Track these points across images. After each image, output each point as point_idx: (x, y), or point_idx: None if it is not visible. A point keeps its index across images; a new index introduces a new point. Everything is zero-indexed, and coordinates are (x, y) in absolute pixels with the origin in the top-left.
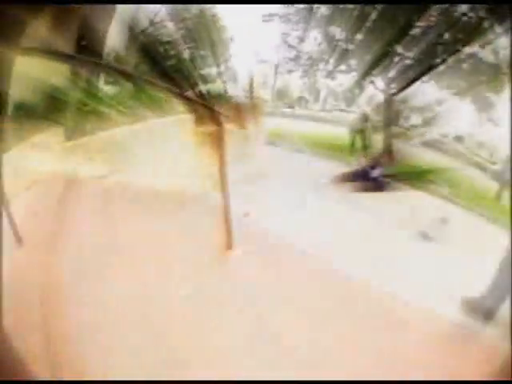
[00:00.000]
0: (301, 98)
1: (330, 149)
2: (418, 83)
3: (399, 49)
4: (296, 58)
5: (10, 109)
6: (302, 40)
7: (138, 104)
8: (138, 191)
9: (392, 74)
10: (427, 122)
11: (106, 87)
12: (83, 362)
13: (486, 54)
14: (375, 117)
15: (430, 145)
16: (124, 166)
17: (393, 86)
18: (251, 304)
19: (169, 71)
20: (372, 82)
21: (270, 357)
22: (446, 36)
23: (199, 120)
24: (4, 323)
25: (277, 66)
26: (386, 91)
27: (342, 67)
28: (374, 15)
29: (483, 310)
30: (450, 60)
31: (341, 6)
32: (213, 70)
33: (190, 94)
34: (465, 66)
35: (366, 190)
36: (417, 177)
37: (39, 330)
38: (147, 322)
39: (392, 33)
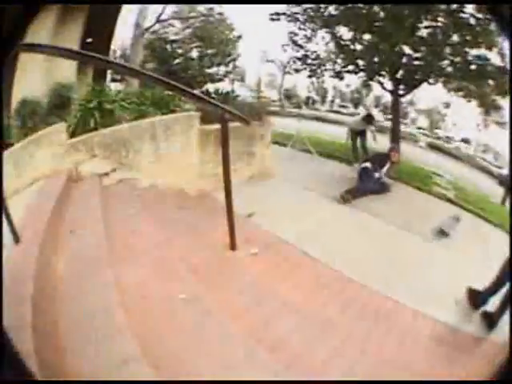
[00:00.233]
0: (308, 98)
1: (336, 150)
2: (425, 85)
3: (407, 50)
4: (303, 58)
5: (14, 105)
6: (309, 39)
7: (142, 100)
8: (141, 189)
9: (400, 74)
10: (434, 125)
11: (112, 84)
12: (79, 363)
13: (493, 56)
14: (381, 118)
15: (435, 147)
16: (127, 164)
17: (401, 86)
18: (254, 308)
19: (176, 70)
20: (380, 83)
21: (271, 364)
22: (454, 37)
23: (205, 118)
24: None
25: (284, 66)
26: (393, 92)
27: (350, 67)
28: (381, 16)
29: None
30: (458, 61)
31: (349, 5)
32: (220, 69)
33: (196, 92)
34: (472, 68)
35: (372, 192)
36: (422, 179)
37: (34, 328)
38: (145, 323)
39: (400, 34)
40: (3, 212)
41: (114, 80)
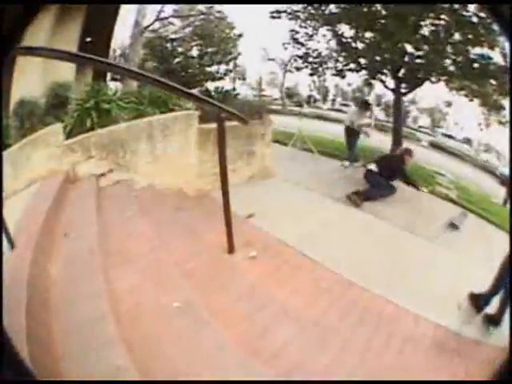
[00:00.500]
0: (310, 97)
1: (338, 149)
2: (427, 83)
3: (409, 48)
4: (304, 56)
5: (12, 106)
6: (310, 37)
7: (140, 100)
8: (138, 190)
9: (402, 73)
10: (435, 124)
11: (111, 83)
12: (74, 370)
13: (496, 56)
14: (383, 116)
15: (437, 146)
16: (124, 164)
17: (403, 85)
18: (250, 316)
19: (176, 68)
20: (382, 81)
21: (267, 374)
22: (456, 36)
23: (204, 117)
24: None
25: (285, 64)
26: (395, 90)
27: (352, 65)
28: (383, 14)
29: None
30: (460, 60)
31: (350, 4)
32: (221, 68)
33: (195, 91)
34: (474, 67)
35: (381, 197)
36: (425, 178)
37: (29, 335)
38: (138, 332)
39: (402, 32)
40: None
41: (113, 79)
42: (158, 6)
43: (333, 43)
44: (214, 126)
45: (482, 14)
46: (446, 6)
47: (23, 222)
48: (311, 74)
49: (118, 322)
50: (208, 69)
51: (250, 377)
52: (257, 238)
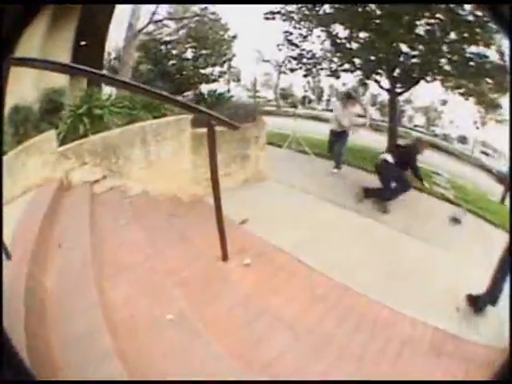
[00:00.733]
0: (304, 98)
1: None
2: (422, 83)
3: (404, 47)
4: (299, 57)
5: (7, 112)
6: (304, 38)
7: (133, 104)
8: (131, 197)
9: (397, 72)
10: (430, 123)
11: (106, 87)
12: (73, 378)
13: (492, 54)
14: (378, 116)
15: (433, 145)
16: (117, 171)
17: (398, 85)
18: (244, 326)
19: (170, 71)
20: (376, 82)
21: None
22: (452, 35)
23: (197, 121)
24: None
25: (280, 65)
26: (390, 90)
27: (346, 66)
28: (378, 13)
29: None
30: (455, 59)
31: (344, 4)
32: (215, 70)
33: (186, 99)
34: (470, 65)
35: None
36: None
37: (29, 348)
38: (132, 344)
39: (397, 31)
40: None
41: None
42: (151, 8)
43: (327, 44)
44: (204, 131)
45: (478, 13)
46: (442, 4)
47: (18, 232)
48: (305, 76)
49: (113, 334)
50: (202, 71)
51: None
52: (251, 245)
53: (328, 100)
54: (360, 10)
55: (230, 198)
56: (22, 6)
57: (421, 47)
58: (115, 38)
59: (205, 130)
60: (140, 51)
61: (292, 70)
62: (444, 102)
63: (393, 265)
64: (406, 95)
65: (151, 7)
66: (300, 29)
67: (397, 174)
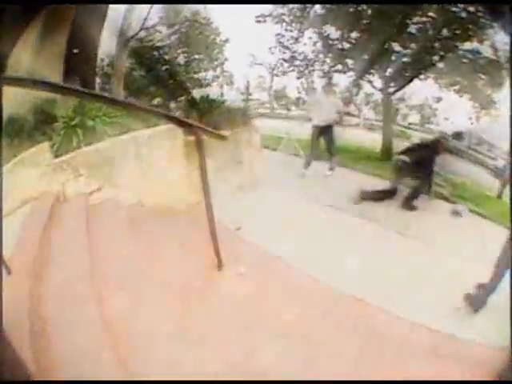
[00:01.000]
0: (298, 99)
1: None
2: (416, 81)
3: (396, 47)
4: (291, 59)
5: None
6: (296, 40)
7: (124, 114)
8: (126, 208)
9: (389, 72)
10: (426, 120)
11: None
12: None
13: (486, 50)
14: (373, 115)
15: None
16: (112, 182)
17: (391, 84)
18: (237, 339)
19: (163, 76)
20: (369, 82)
21: None
22: (444, 32)
23: (187, 131)
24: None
25: (272, 68)
26: (383, 90)
27: (339, 67)
28: (369, 13)
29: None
30: (449, 56)
31: (335, 4)
32: (208, 74)
33: (182, 100)
34: (464, 62)
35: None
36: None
37: (36, 363)
38: (131, 358)
39: (388, 30)
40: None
41: (102, 89)
42: (143, 15)
43: (319, 45)
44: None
45: (471, 9)
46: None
47: (17, 247)
48: (298, 78)
49: (113, 347)
50: (195, 75)
51: None
52: (246, 252)
53: None
54: (351, 10)
55: (225, 205)
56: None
57: (413, 45)
58: (108, 44)
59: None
60: (132, 57)
61: (284, 73)
62: (438, 100)
63: (389, 267)
64: (399, 93)
65: (143, 13)
66: (291, 31)
67: (414, 175)
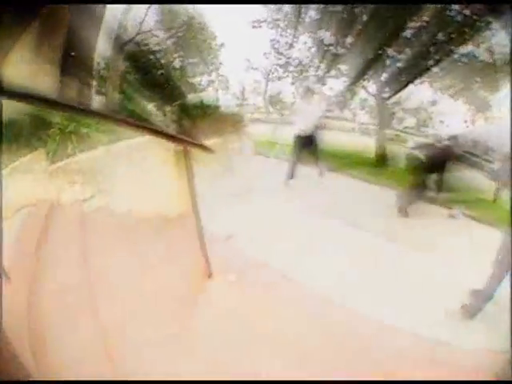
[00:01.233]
0: (293, 104)
1: (323, 158)
2: (411, 86)
3: (391, 51)
4: (285, 65)
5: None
6: (291, 46)
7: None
8: (119, 216)
9: (384, 77)
10: (421, 123)
11: (96, 97)
12: None
13: (482, 53)
14: (368, 120)
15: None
16: (105, 189)
17: (385, 89)
18: (226, 348)
19: (158, 80)
20: (363, 87)
21: None
22: (440, 36)
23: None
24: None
25: (267, 73)
26: (378, 95)
27: (333, 72)
28: (364, 18)
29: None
30: (444, 61)
31: (330, 9)
32: (204, 78)
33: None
34: (459, 66)
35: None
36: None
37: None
38: (130, 362)
39: (383, 35)
40: None
41: (98, 92)
42: (140, 18)
43: (314, 50)
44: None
45: (467, 12)
46: (430, 6)
47: (14, 254)
48: (293, 83)
49: (108, 355)
50: (190, 80)
51: None
52: (236, 260)
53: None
54: (345, 15)
55: (216, 213)
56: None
57: (408, 50)
58: (104, 47)
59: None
60: (128, 61)
61: (279, 78)
62: (434, 103)
63: (380, 275)
64: (395, 97)
65: (139, 17)
66: (286, 36)
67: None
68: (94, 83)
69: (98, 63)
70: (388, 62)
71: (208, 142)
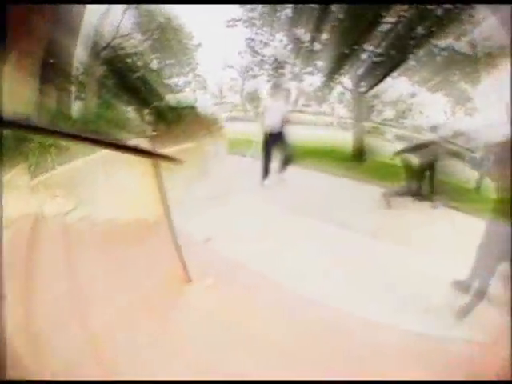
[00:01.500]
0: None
1: (301, 155)
2: (389, 79)
3: (367, 46)
4: (261, 63)
5: None
6: (266, 44)
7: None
8: (100, 225)
9: (360, 72)
10: (400, 115)
11: (76, 102)
12: None
13: (462, 46)
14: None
15: (403, 138)
16: (86, 200)
17: (362, 83)
18: (206, 352)
19: (136, 83)
20: (340, 83)
21: None
22: (419, 30)
23: (155, 144)
24: None
25: (243, 71)
26: (354, 90)
27: (309, 69)
28: (339, 14)
29: (472, 291)
30: (422, 54)
31: (305, 6)
32: (181, 79)
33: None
34: (438, 59)
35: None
36: (392, 176)
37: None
38: (119, 367)
39: (358, 31)
40: None
41: (77, 98)
42: (116, 22)
43: (290, 48)
44: (167, 150)
45: (448, 6)
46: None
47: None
48: (268, 81)
49: (98, 363)
50: (167, 81)
51: None
52: (214, 264)
53: (295, 101)
54: (321, 11)
55: (194, 217)
56: None
57: (384, 44)
58: (82, 53)
59: (165, 150)
60: (106, 65)
61: (255, 76)
62: (413, 95)
63: (365, 272)
64: (373, 91)
65: (116, 21)
66: (262, 35)
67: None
68: (74, 89)
69: (77, 69)
70: (364, 56)
71: (184, 146)
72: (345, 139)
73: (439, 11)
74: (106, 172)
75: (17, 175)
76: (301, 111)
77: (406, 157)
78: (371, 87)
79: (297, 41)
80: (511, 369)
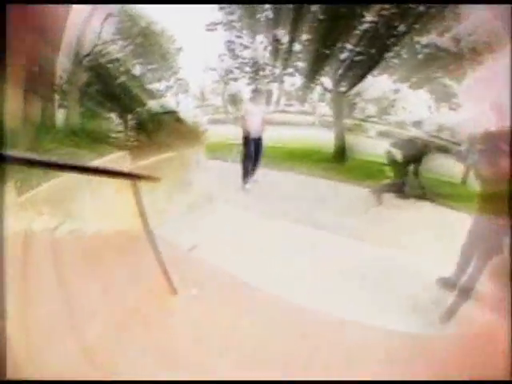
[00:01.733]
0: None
1: (285, 158)
2: (370, 78)
3: (348, 45)
4: (241, 66)
5: None
6: (246, 47)
7: (77, 141)
8: (87, 239)
9: (341, 71)
10: (383, 111)
11: (60, 110)
12: None
13: (445, 42)
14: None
15: (387, 134)
16: (72, 215)
17: (343, 83)
18: (197, 353)
19: (118, 90)
20: (320, 84)
21: None
22: (400, 27)
23: (136, 156)
24: None
25: (224, 74)
26: (334, 90)
27: (290, 70)
28: (318, 14)
29: (457, 287)
30: (404, 52)
31: (285, 6)
32: (163, 84)
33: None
34: (420, 56)
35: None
36: (374, 174)
37: None
38: (113, 372)
39: (339, 30)
40: None
41: (60, 106)
42: (97, 29)
43: (269, 50)
44: (147, 161)
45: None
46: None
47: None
48: (249, 84)
49: (93, 369)
50: (150, 86)
51: None
52: (198, 273)
53: (277, 102)
54: (301, 12)
55: (177, 226)
56: None
57: (364, 43)
58: (64, 62)
59: (145, 161)
60: (88, 72)
61: (235, 79)
62: (396, 91)
63: (348, 273)
64: (356, 88)
65: (98, 27)
66: (242, 37)
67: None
68: (57, 97)
69: (61, 77)
70: (344, 56)
71: (165, 155)
72: (327, 139)
73: (421, 8)
74: (86, 186)
75: (6, 193)
76: (283, 111)
77: (391, 153)
78: (351, 87)
79: (277, 42)
80: (511, 369)
